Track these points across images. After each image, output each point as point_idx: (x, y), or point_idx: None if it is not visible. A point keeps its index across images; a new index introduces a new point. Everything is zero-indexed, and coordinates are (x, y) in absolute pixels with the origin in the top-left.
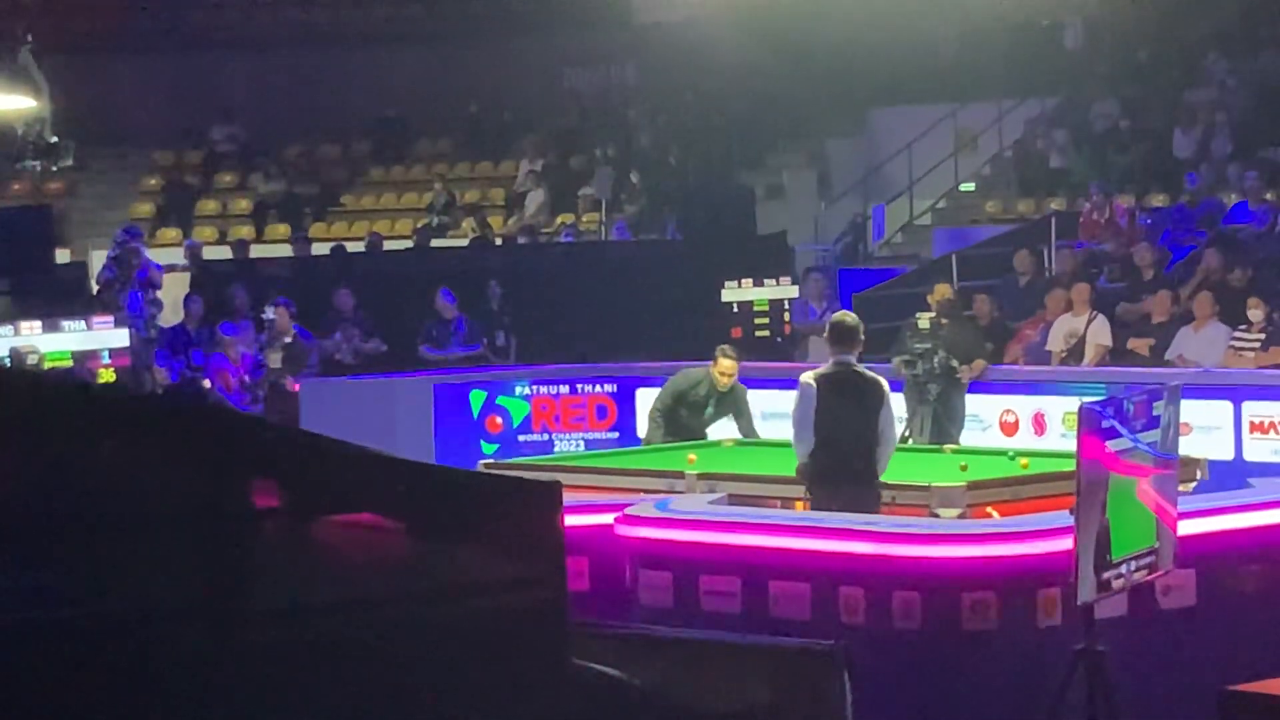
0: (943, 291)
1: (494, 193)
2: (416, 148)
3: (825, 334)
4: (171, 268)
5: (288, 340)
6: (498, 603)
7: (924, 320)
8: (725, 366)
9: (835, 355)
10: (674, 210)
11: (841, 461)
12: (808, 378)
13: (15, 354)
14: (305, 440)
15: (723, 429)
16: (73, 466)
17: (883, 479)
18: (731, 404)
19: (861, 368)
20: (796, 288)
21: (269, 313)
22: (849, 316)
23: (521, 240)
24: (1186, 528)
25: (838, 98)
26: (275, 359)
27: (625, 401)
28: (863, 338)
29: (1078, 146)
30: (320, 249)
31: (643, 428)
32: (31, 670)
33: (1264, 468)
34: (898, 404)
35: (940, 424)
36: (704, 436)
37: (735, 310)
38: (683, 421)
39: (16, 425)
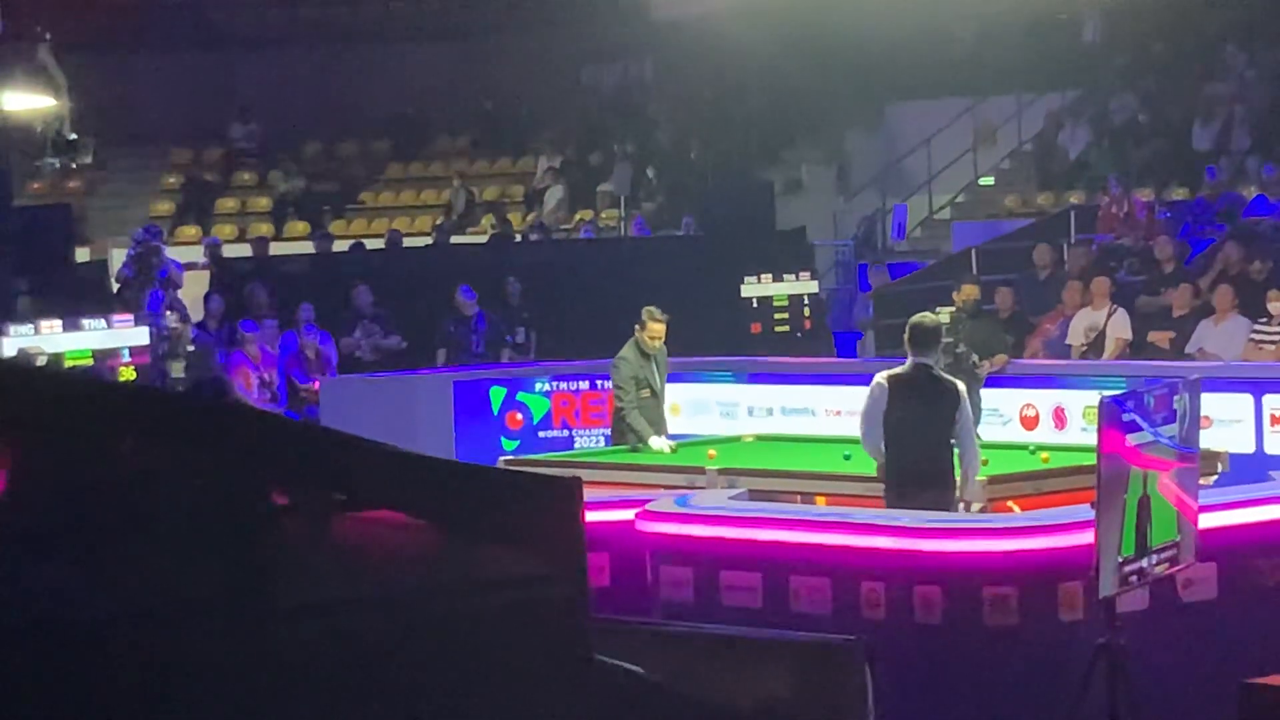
0: (970, 293)
1: (513, 189)
2: (435, 145)
3: (905, 335)
4: (191, 266)
5: (190, 348)
6: (518, 598)
7: (944, 315)
8: (655, 330)
9: (914, 357)
10: (693, 206)
11: (913, 464)
12: (881, 377)
13: (22, 355)
14: (326, 437)
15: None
16: (94, 464)
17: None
18: (664, 365)
19: (939, 371)
20: (816, 283)
21: (169, 318)
22: (928, 317)
23: (540, 237)
24: (1208, 521)
25: (856, 92)
26: (177, 368)
27: None
28: (942, 340)
29: (1097, 140)
30: (339, 246)
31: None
32: (55, 668)
33: None
34: None
35: None
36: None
37: (755, 305)
38: (647, 402)
39: (38, 423)
